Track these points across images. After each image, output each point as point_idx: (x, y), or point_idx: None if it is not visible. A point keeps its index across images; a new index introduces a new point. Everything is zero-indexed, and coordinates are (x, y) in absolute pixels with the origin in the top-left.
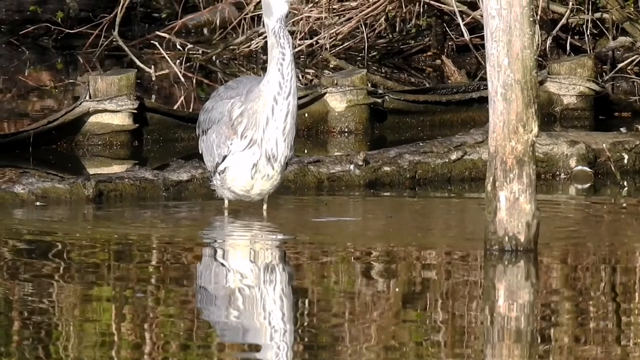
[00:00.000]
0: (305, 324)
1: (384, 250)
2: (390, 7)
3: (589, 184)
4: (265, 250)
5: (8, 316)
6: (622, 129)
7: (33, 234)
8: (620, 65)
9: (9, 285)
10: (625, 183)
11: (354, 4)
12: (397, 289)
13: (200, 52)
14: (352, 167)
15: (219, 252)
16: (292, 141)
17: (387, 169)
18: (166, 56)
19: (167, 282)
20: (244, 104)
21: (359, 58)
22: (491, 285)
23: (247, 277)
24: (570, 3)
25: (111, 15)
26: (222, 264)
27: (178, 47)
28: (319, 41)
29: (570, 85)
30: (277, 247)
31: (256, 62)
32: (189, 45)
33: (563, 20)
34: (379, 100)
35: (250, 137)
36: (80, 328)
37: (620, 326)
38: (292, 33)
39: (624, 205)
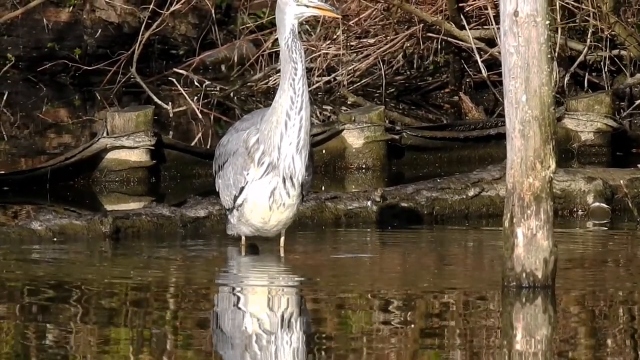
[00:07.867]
0: None
1: (401, 286)
2: (408, 44)
3: (606, 221)
4: (282, 295)
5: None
6: None
7: (49, 274)
8: (638, 102)
9: (20, 329)
10: None
11: (371, 40)
12: (413, 327)
13: (217, 88)
14: (369, 203)
15: (236, 300)
16: (308, 158)
17: (404, 205)
18: (184, 93)
19: (182, 339)
20: (259, 130)
21: (377, 95)
22: (509, 322)
23: (264, 327)
24: (588, 40)
25: (129, 52)
26: (241, 317)
27: (196, 83)
28: (337, 78)
29: (587, 121)
30: (294, 292)
31: (274, 99)
32: (207, 82)
33: (581, 57)
34: (397, 137)
35: (267, 163)
36: None
37: None
38: (309, 70)
39: None
